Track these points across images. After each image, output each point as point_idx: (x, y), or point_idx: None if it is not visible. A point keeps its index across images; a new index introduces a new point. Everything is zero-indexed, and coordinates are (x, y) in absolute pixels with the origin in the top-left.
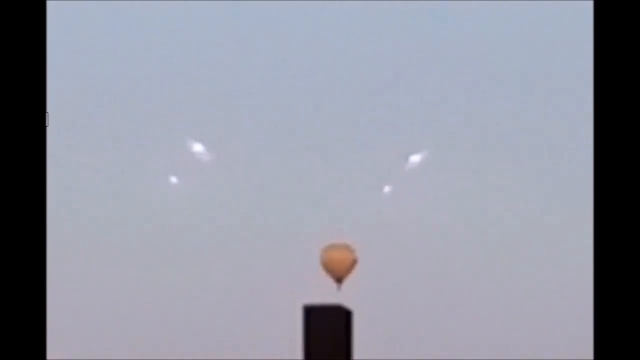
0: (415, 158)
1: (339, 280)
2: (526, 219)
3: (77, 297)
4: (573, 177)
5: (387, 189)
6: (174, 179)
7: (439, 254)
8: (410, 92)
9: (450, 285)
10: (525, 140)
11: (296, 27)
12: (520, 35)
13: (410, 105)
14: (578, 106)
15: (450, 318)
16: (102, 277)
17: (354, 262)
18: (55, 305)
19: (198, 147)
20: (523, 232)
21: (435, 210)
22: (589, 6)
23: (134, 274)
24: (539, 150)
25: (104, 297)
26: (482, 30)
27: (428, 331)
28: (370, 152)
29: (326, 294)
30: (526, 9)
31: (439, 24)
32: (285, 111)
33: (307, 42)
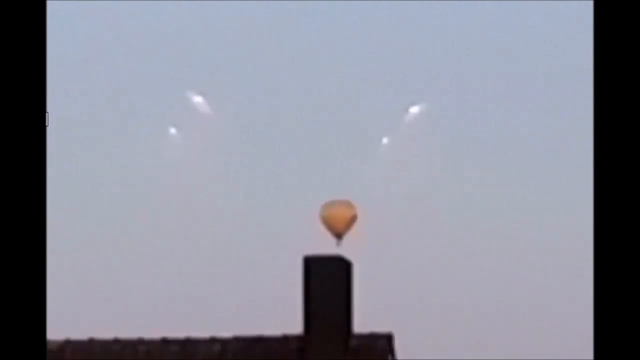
0: (414, 110)
1: (338, 236)
2: (526, 169)
3: (73, 253)
4: (573, 130)
5: (385, 140)
6: (173, 130)
7: (438, 205)
8: (410, 46)
9: (449, 237)
10: (525, 96)
11: None
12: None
13: (410, 57)
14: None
15: (450, 270)
16: (98, 230)
17: (353, 218)
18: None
19: (198, 99)
20: (524, 183)
21: (434, 162)
22: (589, 6)
23: (131, 225)
24: (540, 103)
25: (102, 250)
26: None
27: (427, 283)
28: (369, 105)
29: (326, 248)
30: (526, 9)
31: None
32: (284, 66)
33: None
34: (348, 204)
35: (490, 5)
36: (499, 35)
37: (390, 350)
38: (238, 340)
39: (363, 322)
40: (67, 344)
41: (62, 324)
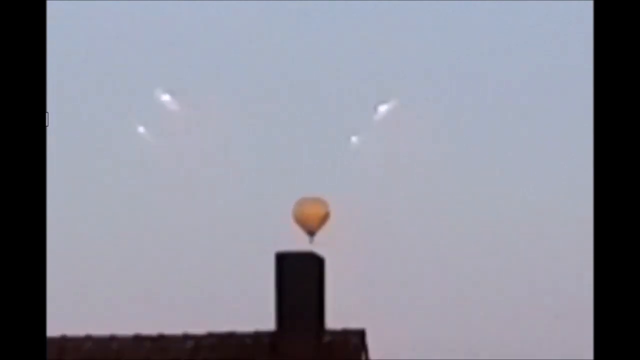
0: (383, 108)
1: (311, 233)
2: (500, 165)
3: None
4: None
5: (354, 139)
6: (141, 129)
7: (408, 202)
8: (378, 44)
9: (421, 233)
10: (503, 93)
11: None
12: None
13: (380, 55)
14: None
15: (423, 266)
16: (67, 227)
17: (326, 216)
18: None
19: (166, 97)
20: (498, 178)
21: (405, 159)
22: (589, 6)
23: (101, 223)
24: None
25: (70, 248)
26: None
27: (400, 280)
28: (339, 103)
29: (298, 245)
30: (525, 9)
31: None
32: (253, 64)
33: None
34: (320, 202)
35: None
36: (473, 33)
37: (363, 346)
38: (211, 336)
39: (336, 318)
40: None
41: None
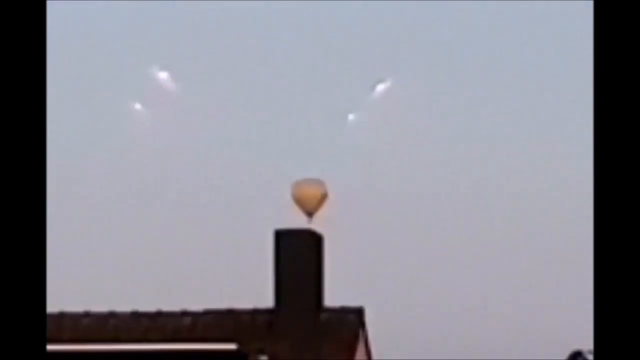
0: (381, 87)
1: (309, 214)
2: (494, 147)
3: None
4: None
5: (351, 117)
6: (138, 106)
7: (406, 181)
8: (376, 23)
9: (419, 212)
10: (501, 74)
11: None
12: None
13: (377, 34)
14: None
15: (420, 245)
16: (67, 205)
17: (324, 197)
18: None
19: (163, 75)
20: (496, 160)
21: (402, 138)
22: (589, 6)
23: (100, 201)
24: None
25: (68, 225)
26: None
27: (398, 258)
28: (336, 82)
29: (297, 224)
30: (525, 8)
31: None
32: (250, 42)
33: None
34: (318, 182)
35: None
36: (473, 12)
37: (361, 324)
38: (209, 313)
39: (334, 296)
40: None
41: None
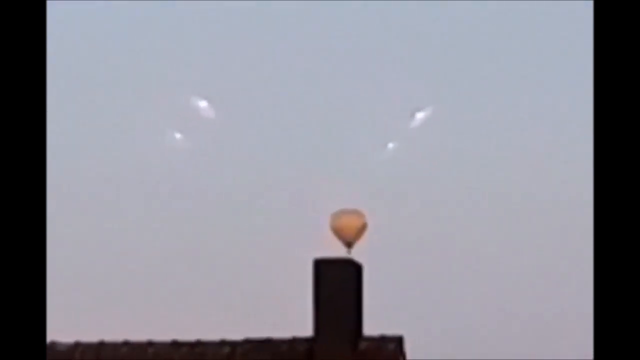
0: (420, 115)
1: (349, 245)
2: (534, 175)
3: (73, 259)
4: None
5: (391, 145)
6: (178, 135)
7: (443, 212)
8: (414, 49)
9: (458, 241)
10: (532, 101)
11: None
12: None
13: (415, 61)
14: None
15: (459, 273)
16: (101, 238)
17: (363, 227)
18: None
19: (203, 104)
20: (531, 191)
21: (440, 167)
22: (589, 6)
23: (136, 233)
24: (546, 115)
25: (103, 259)
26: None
27: (438, 287)
28: (375, 110)
29: (336, 254)
30: (524, 8)
31: None
32: (289, 72)
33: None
34: (357, 213)
35: (493, 5)
36: (503, 38)
37: (401, 352)
38: (248, 343)
39: (373, 324)
40: (77, 346)
41: (71, 327)
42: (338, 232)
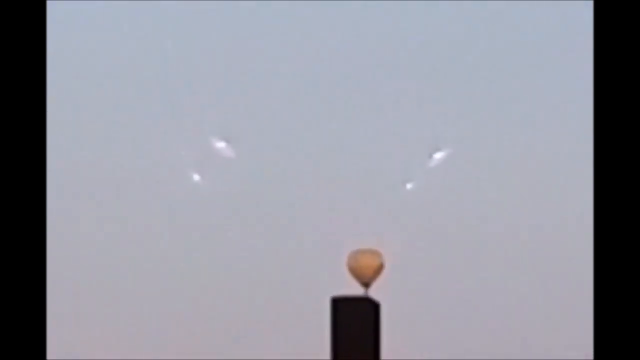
0: (438, 155)
1: (366, 285)
2: (553, 215)
3: (87, 299)
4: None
5: (409, 186)
6: (197, 177)
7: (463, 252)
8: (431, 87)
9: (477, 280)
10: (552, 144)
11: (312, 24)
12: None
13: (434, 100)
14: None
15: (478, 314)
16: (119, 278)
17: (380, 267)
18: (58, 304)
19: (221, 144)
20: (552, 229)
21: (460, 208)
22: (589, 6)
23: (155, 273)
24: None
25: (121, 298)
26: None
27: (457, 327)
28: (391, 149)
29: (354, 291)
30: (524, 8)
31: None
32: (305, 106)
33: (323, 35)
34: (374, 253)
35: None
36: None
37: None
38: None
39: None
40: None
41: (72, 326)
42: (355, 272)
